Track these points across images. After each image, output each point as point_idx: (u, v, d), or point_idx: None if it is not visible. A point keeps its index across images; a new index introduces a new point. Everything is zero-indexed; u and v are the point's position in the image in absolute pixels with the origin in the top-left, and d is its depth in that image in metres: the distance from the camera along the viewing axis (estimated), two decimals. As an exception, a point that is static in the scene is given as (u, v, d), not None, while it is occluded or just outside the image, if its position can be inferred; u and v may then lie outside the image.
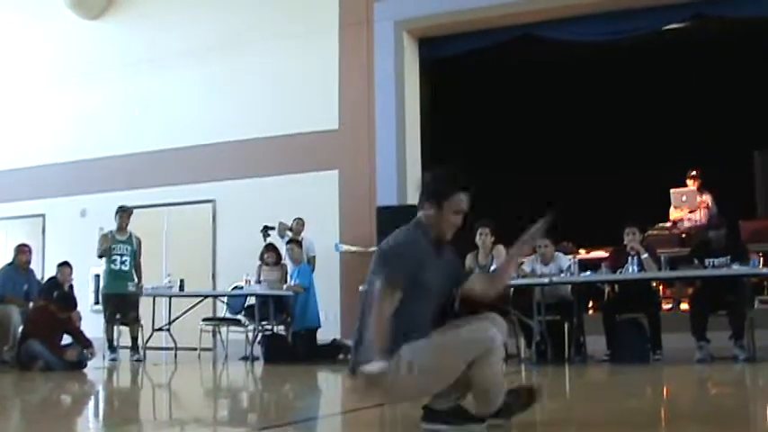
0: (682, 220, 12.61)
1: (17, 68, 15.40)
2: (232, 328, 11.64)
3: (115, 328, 11.06)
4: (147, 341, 11.01)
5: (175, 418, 5.71)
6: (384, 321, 3.68)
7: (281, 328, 11.10)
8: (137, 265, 11.24)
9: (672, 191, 12.70)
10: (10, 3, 15.37)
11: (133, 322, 11.01)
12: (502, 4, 12.12)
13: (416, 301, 3.82)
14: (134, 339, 10.93)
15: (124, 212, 11.32)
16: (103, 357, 10.66)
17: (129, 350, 10.93)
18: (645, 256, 8.86)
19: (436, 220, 3.91)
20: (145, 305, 11.26)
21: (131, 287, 10.99)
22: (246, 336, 11.03)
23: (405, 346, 3.75)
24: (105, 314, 11.11)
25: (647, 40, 12.50)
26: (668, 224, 12.66)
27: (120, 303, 11.01)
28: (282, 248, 11.37)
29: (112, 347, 10.89)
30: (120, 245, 11.14)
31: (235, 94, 13.48)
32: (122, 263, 11.07)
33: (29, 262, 10.99)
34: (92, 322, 11.07)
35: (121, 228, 11.24)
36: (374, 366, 3.61)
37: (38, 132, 14.93)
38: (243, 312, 11.42)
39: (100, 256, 11.23)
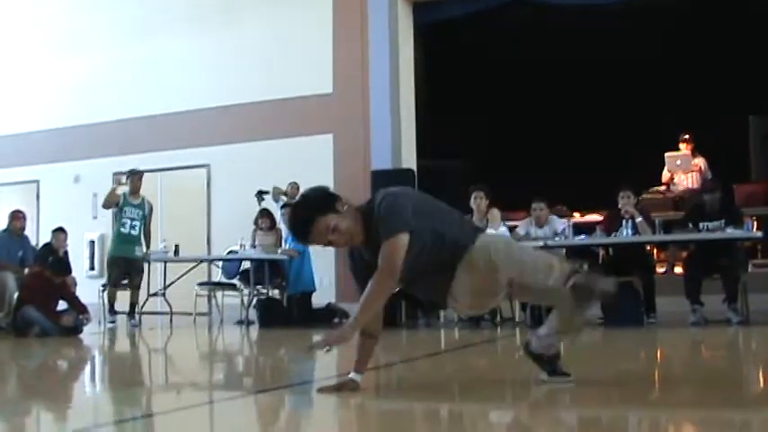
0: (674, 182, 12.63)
1: (9, 35, 15.25)
2: (227, 292, 11.68)
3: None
4: (142, 306, 11.03)
5: (171, 383, 5.74)
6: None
7: (276, 292, 11.13)
8: (146, 231, 11.18)
9: (666, 155, 12.70)
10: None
11: (136, 288, 10.95)
12: (495, -34, 12.06)
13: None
14: (133, 305, 10.84)
15: (135, 175, 11.17)
16: (99, 323, 10.68)
17: (126, 315, 10.90)
18: (639, 219, 8.88)
19: None
20: (140, 270, 11.25)
21: (138, 252, 10.98)
22: (242, 300, 11.05)
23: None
24: (110, 277, 11.06)
25: (642, 2, 12.42)
26: (662, 188, 12.67)
27: (126, 267, 10.97)
28: (277, 213, 11.35)
29: (113, 311, 10.83)
30: (131, 208, 11.03)
31: (228, 59, 13.36)
32: (132, 227, 10.97)
33: (23, 228, 10.97)
34: (87, 288, 11.08)
35: (134, 191, 11.13)
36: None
37: (31, 98, 14.81)
38: (238, 277, 11.43)
39: (105, 207, 11.20)
